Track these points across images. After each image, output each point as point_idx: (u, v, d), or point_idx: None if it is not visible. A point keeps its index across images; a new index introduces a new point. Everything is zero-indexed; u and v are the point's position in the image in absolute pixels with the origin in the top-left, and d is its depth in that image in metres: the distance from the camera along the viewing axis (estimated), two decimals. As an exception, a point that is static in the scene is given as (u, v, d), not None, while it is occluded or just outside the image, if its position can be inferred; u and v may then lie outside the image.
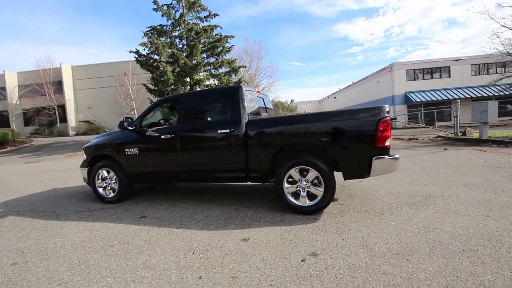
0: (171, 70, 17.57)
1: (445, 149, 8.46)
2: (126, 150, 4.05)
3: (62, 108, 30.25)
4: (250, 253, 2.37)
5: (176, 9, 18.96)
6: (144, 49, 18.19)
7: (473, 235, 2.47)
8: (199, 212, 3.56)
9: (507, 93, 21.51)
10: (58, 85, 30.01)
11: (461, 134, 11.05)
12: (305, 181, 3.21)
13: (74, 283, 2.07)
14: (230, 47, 19.65)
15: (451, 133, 11.81)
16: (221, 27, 19.16)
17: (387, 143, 2.93)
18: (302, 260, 2.20)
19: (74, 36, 75.26)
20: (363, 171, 3.02)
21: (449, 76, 24.35)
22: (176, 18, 18.65)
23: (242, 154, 3.44)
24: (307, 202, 3.20)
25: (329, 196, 3.10)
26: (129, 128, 3.96)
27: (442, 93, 23.32)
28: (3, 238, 3.08)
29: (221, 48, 19.07)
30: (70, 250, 2.65)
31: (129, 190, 4.32)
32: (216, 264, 2.22)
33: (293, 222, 3.02)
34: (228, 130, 3.47)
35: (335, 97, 43.74)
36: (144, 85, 18.76)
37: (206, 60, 19.07)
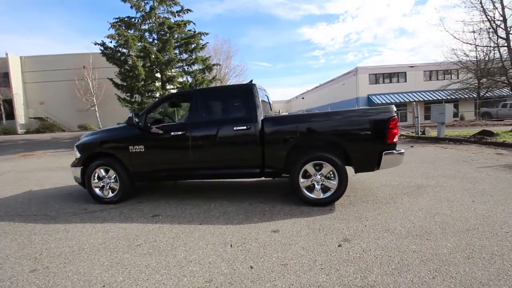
0: (141, 65, 16.69)
1: (412, 146, 9.41)
2: (130, 147, 3.85)
3: (9, 103, 26.83)
4: (288, 243, 2.49)
5: (146, 1, 18.04)
6: (111, 42, 17.05)
7: (469, 217, 2.90)
8: (213, 209, 3.56)
9: (453, 97, 24.54)
10: (4, 78, 26.55)
11: (421, 133, 12.35)
12: (320, 175, 3.41)
13: (119, 283, 1.99)
14: (204, 44, 19.30)
15: (412, 132, 13.13)
16: (194, 23, 18.74)
17: (395, 139, 3.26)
18: (338, 246, 2.39)
19: (17, 25, 66.82)
20: (374, 165, 3.32)
21: (406, 81, 26.95)
22: (147, 11, 17.77)
23: (258, 151, 3.53)
24: (322, 195, 3.41)
25: (342, 188, 3.34)
26: (139, 124, 3.79)
27: (400, 96, 25.72)
28: (1, 247, 2.77)
29: (195, 44, 18.65)
30: (93, 252, 2.50)
31: (131, 189, 4.11)
32: (260, 254, 2.29)
33: (312, 213, 3.21)
34: (244, 127, 3.53)
35: (303, 98, 45.39)
36: (111, 79, 17.53)
37: (178, 57, 18.47)
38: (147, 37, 18.42)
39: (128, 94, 17.71)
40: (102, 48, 17.04)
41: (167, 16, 18.65)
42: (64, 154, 13.75)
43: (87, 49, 29.08)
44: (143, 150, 3.83)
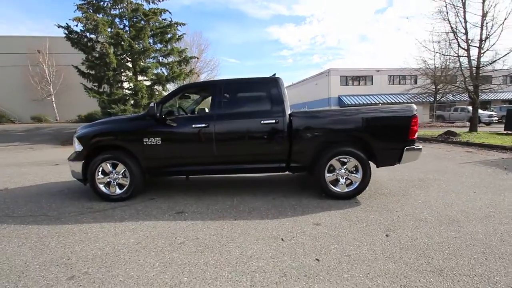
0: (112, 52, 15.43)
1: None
2: (145, 140, 3.55)
3: None
4: (336, 235, 2.53)
5: (117, -17, 16.66)
6: (77, 25, 15.46)
7: (480, 206, 3.22)
8: (238, 204, 3.46)
9: (413, 100, 26.91)
10: None
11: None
12: (344, 169, 3.52)
13: (186, 284, 1.85)
14: (181, 35, 18.48)
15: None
16: (170, 12, 17.84)
17: (415, 136, 3.49)
18: (387, 236, 2.49)
19: None
20: (395, 159, 3.51)
21: (372, 84, 28.86)
22: (119, -6, 16.44)
23: (285, 145, 3.51)
24: (346, 189, 3.52)
25: (366, 182, 3.49)
26: (162, 117, 3.53)
27: (367, 98, 27.47)
28: (12, 252, 2.38)
29: (171, 35, 17.77)
30: (133, 253, 2.28)
31: (142, 186, 3.81)
32: (317, 247, 2.30)
33: (340, 206, 3.29)
34: (273, 121, 3.47)
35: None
36: (76, 67, 15.93)
37: (152, 46, 17.44)
38: (118, 23, 17.10)
39: (96, 84, 16.29)
40: (67, 32, 15.38)
41: (140, 3, 17.50)
42: (22, 148, 12.24)
43: (38, 32, 25.93)
44: (160, 143, 3.56)
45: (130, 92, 16.46)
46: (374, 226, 2.70)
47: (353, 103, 26.79)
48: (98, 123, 3.94)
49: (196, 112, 4.58)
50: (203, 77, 31.73)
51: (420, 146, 3.57)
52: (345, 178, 3.53)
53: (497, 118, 22.41)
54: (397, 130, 3.47)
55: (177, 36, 17.94)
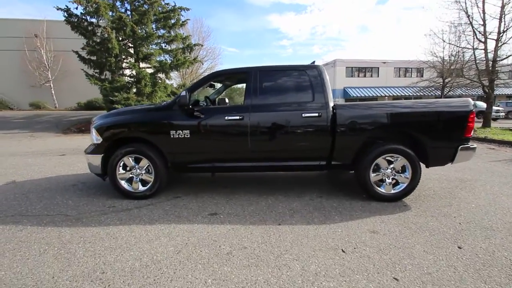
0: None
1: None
2: (172, 133, 3.21)
3: None
4: (402, 246, 2.24)
5: (119, -36, 15.83)
6: (77, 8, 14.73)
7: (541, 211, 2.95)
8: (275, 205, 3.16)
9: (419, 94, 26.52)
10: None
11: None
12: (391, 169, 3.21)
13: (252, 309, 1.55)
14: (185, 20, 17.83)
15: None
16: (174, -4, 17.09)
17: (471, 134, 3.17)
18: (459, 248, 2.21)
19: None
20: (448, 159, 3.21)
21: (378, 76, 28.36)
22: (120, -25, 15.64)
23: (327, 141, 3.18)
24: (392, 190, 3.22)
25: (415, 183, 3.19)
26: (193, 109, 3.21)
27: (372, 90, 27.05)
28: (34, 263, 2.07)
29: (174, 20, 17.08)
30: (177, 266, 1.97)
31: (166, 182, 3.49)
32: (389, 262, 2.01)
33: (391, 210, 3.00)
34: (316, 115, 3.13)
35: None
36: (76, 52, 15.30)
37: (155, 32, 16.77)
38: (119, 6, 16.35)
39: (97, 71, 15.71)
40: (66, 15, 14.66)
41: (142, -15, 16.68)
42: (22, 136, 11.82)
43: (34, 16, 24.92)
44: (188, 136, 3.21)
45: (132, 79, 15.92)
46: (440, 236, 2.41)
47: (358, 95, 26.35)
48: (117, 112, 3.58)
49: (217, 103, 4.23)
50: (205, 67, 30.99)
51: (475, 145, 3.26)
52: (391, 179, 3.23)
53: (504, 114, 22.21)
54: (452, 126, 3.14)
55: (180, 22, 17.28)
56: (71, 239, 2.40)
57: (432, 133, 3.14)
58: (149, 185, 3.36)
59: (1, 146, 8.64)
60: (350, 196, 3.44)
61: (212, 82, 3.85)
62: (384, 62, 28.15)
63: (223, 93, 4.79)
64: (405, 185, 3.20)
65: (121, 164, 3.35)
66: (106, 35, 14.10)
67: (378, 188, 3.23)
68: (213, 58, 33.66)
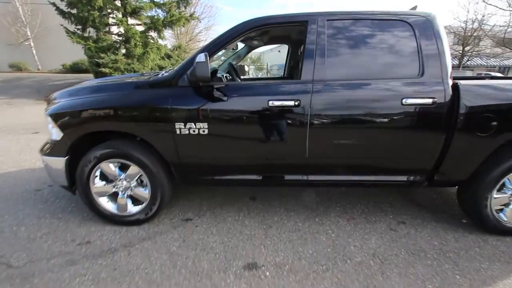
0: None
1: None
2: (178, 126, 1.92)
3: None
4: None
5: None
6: None
7: None
8: (342, 241, 2.03)
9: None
10: None
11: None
12: (524, 188, 2.03)
13: None
14: (179, -33, 15.15)
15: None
16: None
17: None
18: None
19: None
20: None
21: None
22: None
23: (437, 144, 1.93)
24: (519, 218, 2.08)
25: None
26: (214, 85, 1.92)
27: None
28: None
29: (166, -34, 14.47)
30: None
31: (170, 197, 2.31)
32: None
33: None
34: (426, 101, 1.82)
35: (279, 51, 42.05)
36: (54, 4, 13.02)
37: (143, -19, 14.26)
38: None
39: (80, 27, 13.57)
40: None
41: None
42: (-3, 104, 10.33)
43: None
44: (205, 132, 1.93)
45: (120, 38, 13.86)
46: None
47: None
48: (87, 88, 2.23)
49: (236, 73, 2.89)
50: (202, 26, 27.97)
51: None
52: (518, 203, 2.07)
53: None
54: None
55: (174, -31, 14.67)
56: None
57: None
58: (143, 204, 2.17)
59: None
60: (444, 220, 2.31)
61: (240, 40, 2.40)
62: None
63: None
64: (546, 212, 2.05)
65: (98, 173, 2.12)
66: (85, -18, 11.80)
67: (500, 216, 2.09)
68: (210, 16, 30.44)
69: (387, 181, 2.10)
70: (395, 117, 1.88)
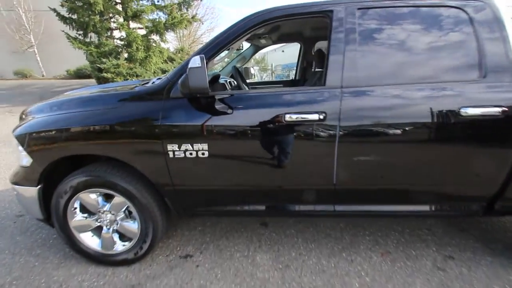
0: (97, -10, 12.21)
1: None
2: (170, 148, 1.53)
3: None
4: None
5: None
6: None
7: None
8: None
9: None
10: None
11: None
12: None
13: None
14: (180, -31, 14.87)
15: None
16: None
17: None
18: None
19: None
20: None
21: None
22: None
23: (504, 165, 1.49)
24: None
25: None
26: (215, 95, 1.56)
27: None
28: None
29: (167, -32, 14.22)
30: None
31: (165, 230, 1.92)
32: None
33: None
34: (491, 110, 1.39)
35: (283, 51, 41.62)
36: (54, 10, 12.89)
37: (145, -16, 14.02)
38: (100, -49, 13.39)
39: (81, 32, 13.39)
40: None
41: None
42: (0, 111, 10.17)
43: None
44: (205, 155, 1.53)
45: (122, 43, 13.63)
46: None
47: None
48: (67, 101, 1.86)
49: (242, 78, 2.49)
50: (205, 28, 27.73)
51: None
52: None
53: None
54: None
55: (174, -30, 14.40)
56: None
57: None
58: (132, 241, 1.78)
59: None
60: (500, 253, 1.87)
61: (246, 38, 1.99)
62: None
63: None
64: None
65: (77, 205, 1.75)
66: (85, -13, 11.60)
67: None
68: (212, 17, 30.20)
69: (434, 212, 1.67)
70: (448, 132, 1.45)
